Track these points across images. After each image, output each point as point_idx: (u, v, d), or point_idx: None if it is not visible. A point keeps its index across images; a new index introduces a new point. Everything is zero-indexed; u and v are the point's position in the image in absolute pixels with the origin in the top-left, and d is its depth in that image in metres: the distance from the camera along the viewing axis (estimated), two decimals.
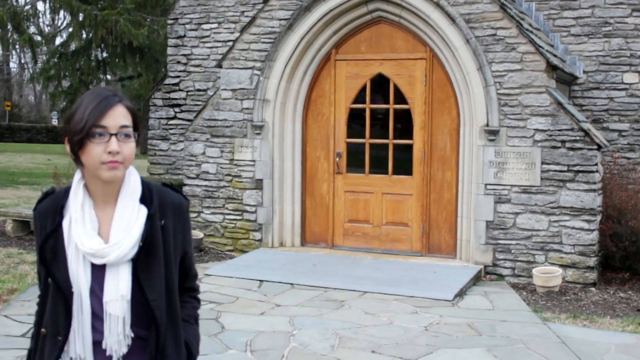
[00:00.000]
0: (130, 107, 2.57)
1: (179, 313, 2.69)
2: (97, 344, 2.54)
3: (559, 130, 9.34)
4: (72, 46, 25.99)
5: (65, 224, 2.57)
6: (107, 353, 2.54)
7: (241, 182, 10.83)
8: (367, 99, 10.67)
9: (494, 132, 9.55)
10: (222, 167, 10.95)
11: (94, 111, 2.48)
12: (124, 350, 2.54)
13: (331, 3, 10.39)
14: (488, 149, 9.59)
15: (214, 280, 9.01)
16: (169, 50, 13.91)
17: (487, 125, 9.58)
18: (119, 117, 2.50)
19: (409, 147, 10.45)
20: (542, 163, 9.40)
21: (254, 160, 10.75)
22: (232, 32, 12.93)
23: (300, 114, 10.89)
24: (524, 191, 9.49)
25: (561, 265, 9.30)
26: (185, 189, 11.17)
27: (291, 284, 8.90)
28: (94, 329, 2.55)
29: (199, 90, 13.48)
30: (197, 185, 11.09)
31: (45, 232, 2.61)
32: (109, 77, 40.72)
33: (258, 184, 10.74)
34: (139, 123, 2.62)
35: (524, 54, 9.46)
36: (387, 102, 10.60)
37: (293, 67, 10.70)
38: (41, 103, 61.34)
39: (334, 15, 10.47)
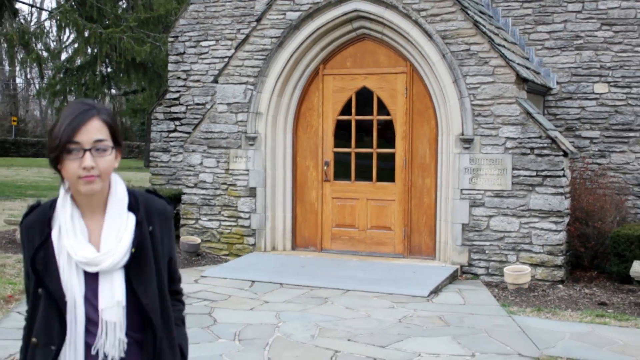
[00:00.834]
0: (107, 120, 2.60)
1: (172, 315, 2.78)
2: (89, 349, 2.62)
3: (528, 138, 10.07)
4: (78, 61, 26.75)
5: (54, 235, 2.63)
6: (100, 358, 2.61)
7: (236, 190, 11.57)
8: (353, 111, 11.42)
9: (469, 141, 10.28)
10: (218, 177, 11.71)
11: (67, 128, 2.53)
12: (121, 354, 2.62)
13: (318, 22, 11.15)
14: (463, 157, 10.33)
15: (209, 281, 9.75)
16: (170, 67, 14.70)
17: (463, 134, 10.32)
18: (92, 132, 2.54)
19: (392, 156, 11.19)
20: (513, 169, 10.12)
21: (247, 170, 11.50)
22: (228, 49, 13.70)
23: (291, 126, 11.65)
24: (496, 195, 10.22)
25: (531, 264, 10.01)
26: (184, 197, 11.93)
27: (280, 283, 9.64)
28: (88, 334, 2.62)
29: (197, 104, 14.25)
30: (195, 194, 11.84)
31: (33, 244, 2.66)
32: (113, 91, 41.53)
33: (252, 192, 11.48)
34: (119, 135, 2.65)
35: (496, 67, 10.20)
36: (371, 114, 11.35)
37: (284, 82, 11.45)
38: (47, 118, 62.02)
39: (321, 33, 11.24)
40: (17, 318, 7.68)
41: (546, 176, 9.99)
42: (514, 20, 12.42)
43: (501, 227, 10.19)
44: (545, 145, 10.00)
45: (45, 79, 28.91)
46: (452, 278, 10.06)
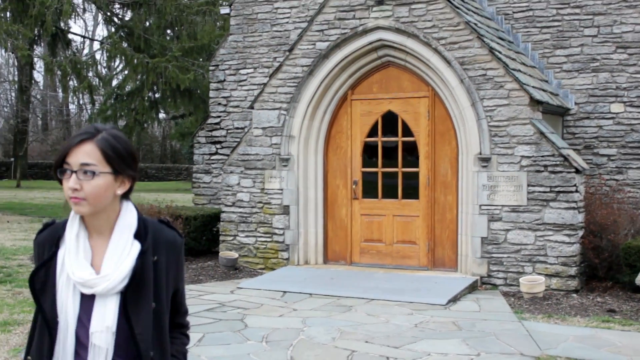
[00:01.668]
0: (103, 146, 2.60)
1: (169, 348, 2.75)
2: None
3: (542, 156, 10.71)
4: (128, 87, 27.95)
5: (60, 254, 2.65)
6: None
7: (271, 208, 12.39)
8: (379, 133, 12.18)
9: (486, 160, 10.96)
10: (254, 196, 12.54)
11: (61, 149, 2.61)
12: None
13: (346, 51, 11.95)
14: (482, 174, 11.00)
15: (244, 292, 10.55)
16: (211, 94, 15.65)
17: (480, 153, 11.01)
18: (80, 155, 2.56)
19: (416, 175, 11.91)
20: (528, 185, 10.76)
21: (281, 189, 12.31)
22: (265, 76, 14.56)
23: (322, 148, 12.44)
24: (513, 210, 10.86)
25: (546, 275, 10.62)
26: (223, 215, 12.78)
27: (310, 294, 10.39)
28: (78, 357, 2.62)
29: (237, 128, 15.14)
30: (233, 212, 12.69)
31: (40, 263, 2.69)
32: (162, 115, 42.81)
33: (285, 210, 12.28)
34: (118, 161, 2.63)
35: (511, 90, 10.88)
36: (396, 136, 12.09)
37: (314, 107, 12.27)
38: None
39: (349, 61, 12.04)
40: None
41: (559, 192, 10.61)
42: (534, 45, 13.08)
43: (518, 240, 10.82)
44: (558, 162, 10.62)
45: (97, 105, 30.15)
46: (472, 288, 10.71)
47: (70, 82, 26.76)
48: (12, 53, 24.11)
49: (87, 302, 2.61)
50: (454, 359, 7.38)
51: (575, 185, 10.59)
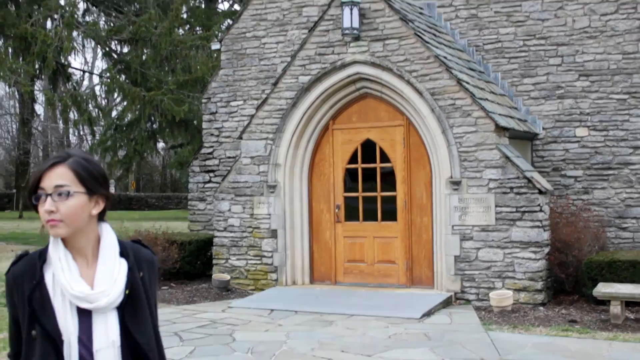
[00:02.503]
0: (75, 167, 2.66)
1: (165, 356, 2.85)
2: None
3: (508, 178, 11.51)
4: (127, 118, 28.73)
5: (48, 277, 2.67)
6: None
7: (260, 232, 13.17)
8: (359, 160, 12.98)
9: (457, 183, 11.76)
10: (244, 221, 13.32)
11: (33, 175, 2.67)
12: None
13: (326, 84, 12.78)
14: (453, 197, 11.79)
15: (234, 310, 11.29)
16: (204, 125, 16.48)
17: (452, 177, 11.80)
18: (54, 177, 2.62)
19: (393, 198, 12.70)
20: (496, 206, 11.55)
21: (269, 214, 13.09)
22: (255, 108, 15.34)
23: (306, 175, 13.24)
24: (482, 230, 11.64)
25: (515, 290, 11.37)
26: (215, 240, 13.55)
27: (295, 311, 11.13)
28: None
29: (229, 157, 15.94)
30: (225, 237, 13.46)
31: (22, 292, 2.67)
32: (162, 145, 43.53)
33: (273, 234, 13.06)
34: (91, 181, 2.68)
35: (478, 118, 11.69)
36: (375, 162, 12.89)
37: (298, 136, 13.07)
38: None
39: (329, 94, 12.86)
40: None
41: (525, 211, 11.40)
42: (503, 74, 13.93)
43: (488, 257, 11.59)
44: (523, 184, 11.42)
45: (97, 135, 30.89)
46: (446, 303, 11.46)
47: (71, 115, 27.65)
48: (15, 88, 24.97)
49: (84, 321, 2.65)
50: None
51: (539, 205, 11.38)
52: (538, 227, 11.34)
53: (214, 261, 13.53)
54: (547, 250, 11.54)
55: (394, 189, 12.70)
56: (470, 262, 11.69)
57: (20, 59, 20.27)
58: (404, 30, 12.05)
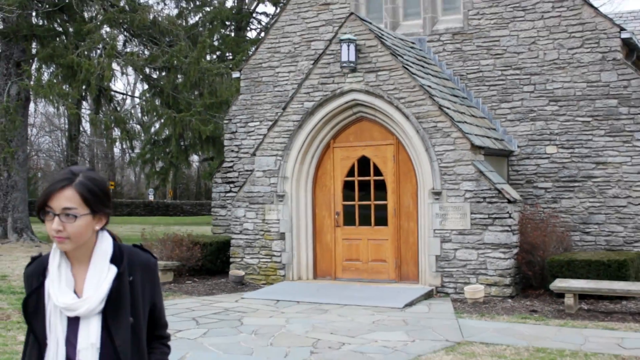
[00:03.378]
0: (81, 190, 2.68)
1: (146, 357, 2.83)
2: None
3: (482, 189, 12.40)
4: (164, 134, 29.85)
5: (47, 283, 2.73)
6: None
7: (270, 235, 14.15)
8: (356, 173, 13.92)
9: (438, 193, 12.67)
10: (257, 225, 14.31)
11: (43, 194, 2.67)
12: None
13: (327, 108, 13.74)
14: (435, 205, 12.70)
15: (246, 301, 12.25)
16: (225, 142, 17.51)
17: (434, 188, 12.71)
18: (62, 200, 2.64)
19: (385, 206, 13.62)
20: (471, 213, 12.43)
21: (278, 219, 14.06)
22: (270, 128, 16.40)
23: (310, 186, 14.21)
24: (460, 233, 12.53)
25: (487, 284, 12.25)
26: (232, 241, 14.55)
27: (297, 301, 12.07)
28: None
29: (247, 170, 16.95)
30: (240, 239, 14.45)
31: (30, 290, 2.76)
32: (196, 157, 44.57)
33: (282, 236, 14.03)
34: (96, 203, 2.72)
35: (456, 138, 12.60)
36: (369, 175, 13.82)
37: (304, 153, 14.05)
38: (140, 181, 65.89)
39: (330, 117, 13.83)
40: None
41: (495, 218, 12.28)
42: (484, 99, 14.83)
43: (464, 257, 12.47)
44: (494, 195, 12.30)
45: (138, 150, 32.00)
46: (428, 296, 12.36)
47: (114, 132, 28.77)
48: (64, 109, 26.19)
49: (73, 324, 2.69)
50: (394, 343, 9.02)
51: (508, 212, 12.25)
52: (507, 231, 12.21)
53: (231, 259, 14.53)
54: (515, 251, 12.41)
55: (385, 198, 13.63)
56: (449, 260, 12.57)
57: (67, 84, 21.49)
58: (394, 64, 13.01)
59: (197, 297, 12.83)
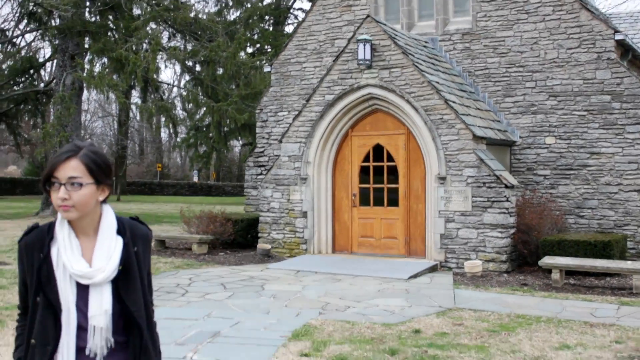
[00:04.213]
0: (86, 161, 2.66)
1: (153, 319, 2.89)
2: (79, 350, 2.70)
3: (482, 175, 13.06)
4: (206, 121, 30.77)
5: (53, 252, 2.70)
6: (91, 356, 2.70)
7: (294, 213, 14.96)
8: (371, 159, 14.66)
9: (443, 178, 13.35)
10: (282, 204, 15.13)
11: (49, 165, 2.64)
12: (105, 352, 2.72)
13: (346, 101, 14.48)
14: (440, 189, 13.40)
15: (270, 271, 13.09)
16: (257, 130, 18.33)
17: (439, 174, 13.40)
18: (67, 169, 2.62)
19: (396, 189, 14.35)
20: (472, 196, 13.11)
21: (301, 200, 14.87)
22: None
23: (330, 170, 14.98)
24: (462, 214, 13.21)
25: (485, 260, 12.93)
26: (261, 218, 15.38)
27: (315, 272, 12.87)
28: (79, 337, 2.68)
29: (276, 155, 17.75)
30: (268, 216, 15.29)
31: (32, 260, 2.71)
32: (236, 143, 45.50)
33: (304, 214, 14.83)
34: (102, 174, 2.71)
35: (460, 129, 13.26)
36: (383, 161, 14.55)
37: (325, 141, 14.81)
38: (185, 164, 67.16)
39: (349, 108, 14.56)
40: None
41: (494, 201, 12.94)
42: (489, 94, 15.43)
43: (465, 235, 13.16)
44: (493, 180, 12.96)
45: (183, 135, 32.94)
46: (432, 270, 13.08)
47: (159, 119, 29.77)
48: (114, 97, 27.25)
49: (82, 291, 2.69)
50: (393, 308, 9.79)
51: (505, 196, 12.90)
52: (504, 213, 12.87)
53: (259, 234, 15.38)
54: (512, 231, 13.05)
55: (397, 182, 14.35)
56: (452, 238, 13.27)
57: (117, 75, 22.50)
58: (405, 61, 13.69)
59: (227, 266, 13.70)
